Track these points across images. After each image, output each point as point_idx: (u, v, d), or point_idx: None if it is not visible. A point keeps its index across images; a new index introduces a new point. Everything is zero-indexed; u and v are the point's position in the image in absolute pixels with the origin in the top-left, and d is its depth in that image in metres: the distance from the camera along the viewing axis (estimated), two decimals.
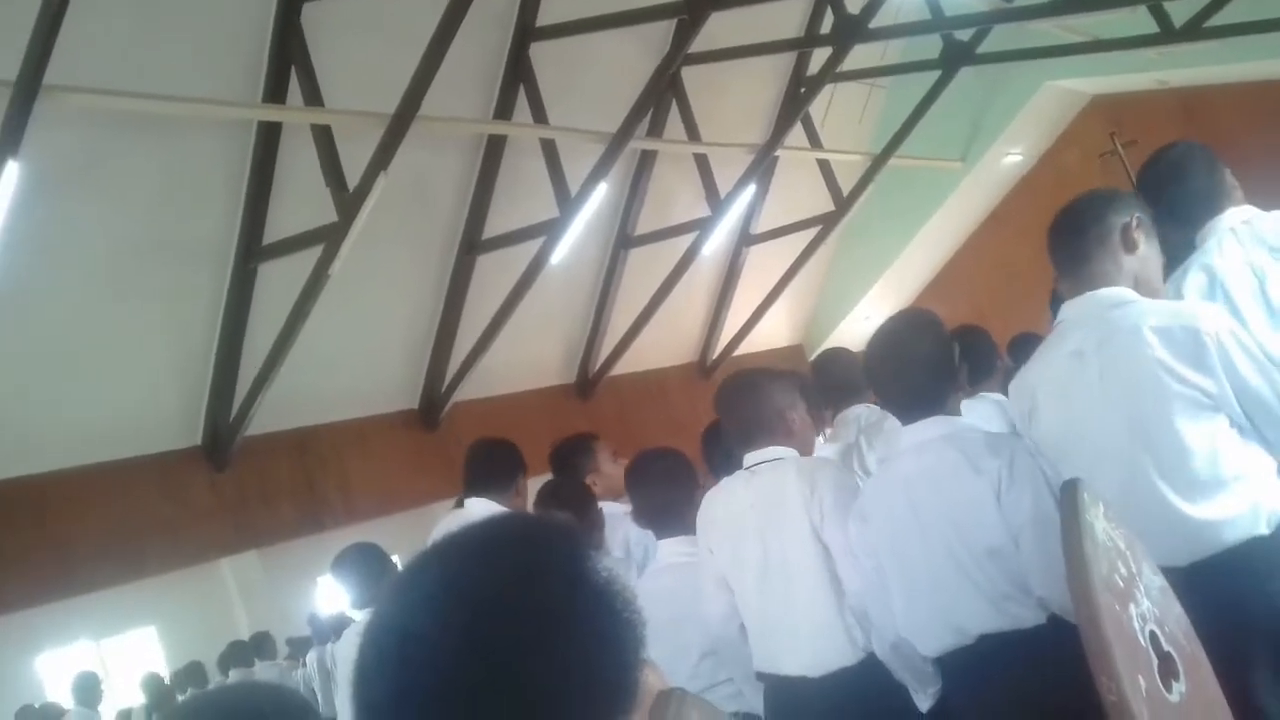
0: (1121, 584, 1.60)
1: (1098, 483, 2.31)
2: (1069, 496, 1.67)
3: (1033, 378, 2.62)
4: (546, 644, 0.95)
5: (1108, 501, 1.81)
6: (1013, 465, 2.57)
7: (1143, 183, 3.15)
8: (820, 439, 3.82)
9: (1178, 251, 3.12)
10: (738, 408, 3.14)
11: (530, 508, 4.06)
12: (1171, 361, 2.36)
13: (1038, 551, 2.48)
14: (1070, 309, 2.60)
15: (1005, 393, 4.19)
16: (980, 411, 3.62)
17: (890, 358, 2.78)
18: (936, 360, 2.74)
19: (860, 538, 2.81)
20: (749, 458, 3.08)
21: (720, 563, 3.08)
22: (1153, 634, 1.58)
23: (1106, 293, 2.54)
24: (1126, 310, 2.49)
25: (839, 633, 2.90)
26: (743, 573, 3.03)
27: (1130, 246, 2.61)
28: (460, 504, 4.11)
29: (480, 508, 3.83)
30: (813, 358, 4.76)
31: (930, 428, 2.70)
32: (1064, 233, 2.65)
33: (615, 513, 4.05)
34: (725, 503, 3.11)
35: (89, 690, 8.26)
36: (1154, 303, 2.57)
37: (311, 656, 8.26)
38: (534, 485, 4.21)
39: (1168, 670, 1.57)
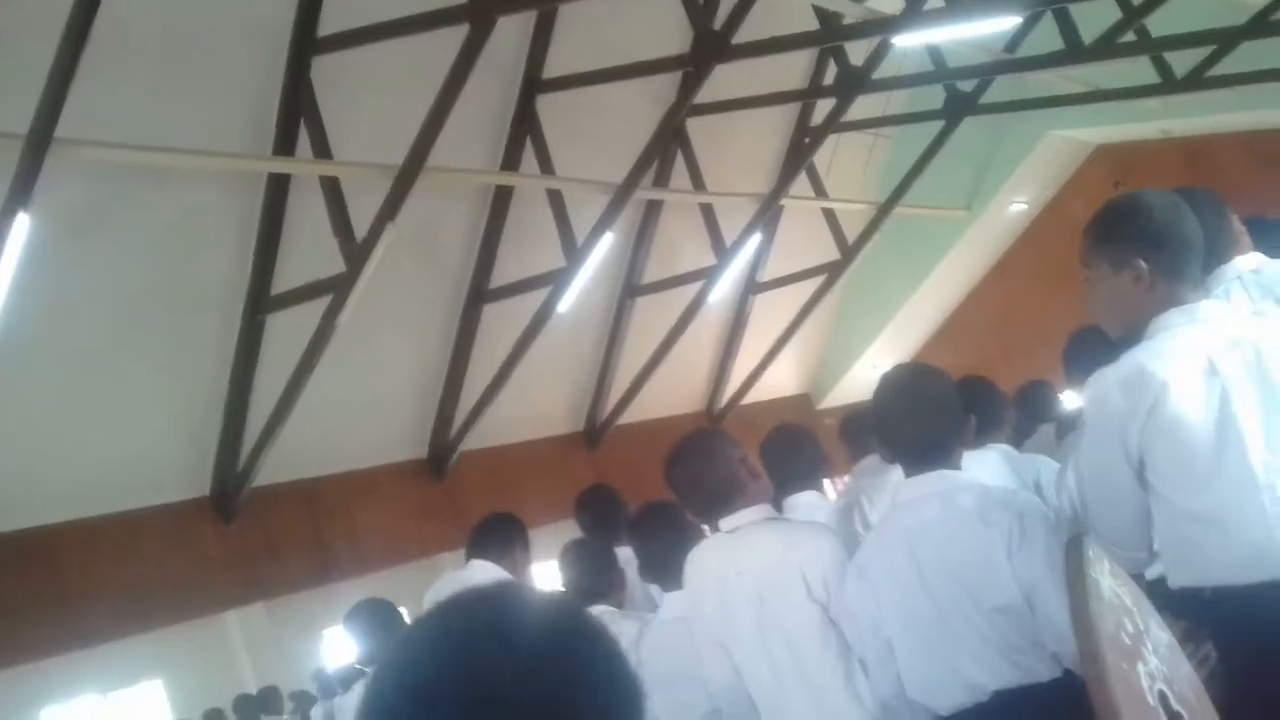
0: (1129, 641, 1.58)
1: (1231, 479, 2.22)
2: (1073, 554, 1.66)
3: (1160, 374, 2.29)
4: (566, 692, 0.95)
5: (1113, 558, 1.79)
6: (1023, 518, 2.54)
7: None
8: (828, 488, 3.80)
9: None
10: (702, 476, 3.02)
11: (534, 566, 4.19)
12: None
13: (1054, 606, 2.44)
14: (1182, 314, 2.37)
15: (1013, 444, 4.20)
16: (986, 462, 3.59)
17: (901, 406, 2.73)
18: (947, 410, 2.72)
19: (857, 594, 2.75)
20: (727, 522, 3.00)
21: (714, 628, 3.03)
22: (1162, 693, 1.56)
23: (1215, 305, 2.44)
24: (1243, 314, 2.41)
25: (849, 703, 2.85)
26: (739, 640, 2.97)
27: None
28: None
29: (481, 567, 4.17)
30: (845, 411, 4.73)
31: (933, 482, 2.67)
32: (1193, 229, 2.43)
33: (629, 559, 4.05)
34: (709, 567, 3.04)
35: None
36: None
37: (317, 711, 8.19)
38: (543, 534, 4.26)
39: None
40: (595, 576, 3.70)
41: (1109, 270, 2.43)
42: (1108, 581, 1.64)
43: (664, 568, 3.33)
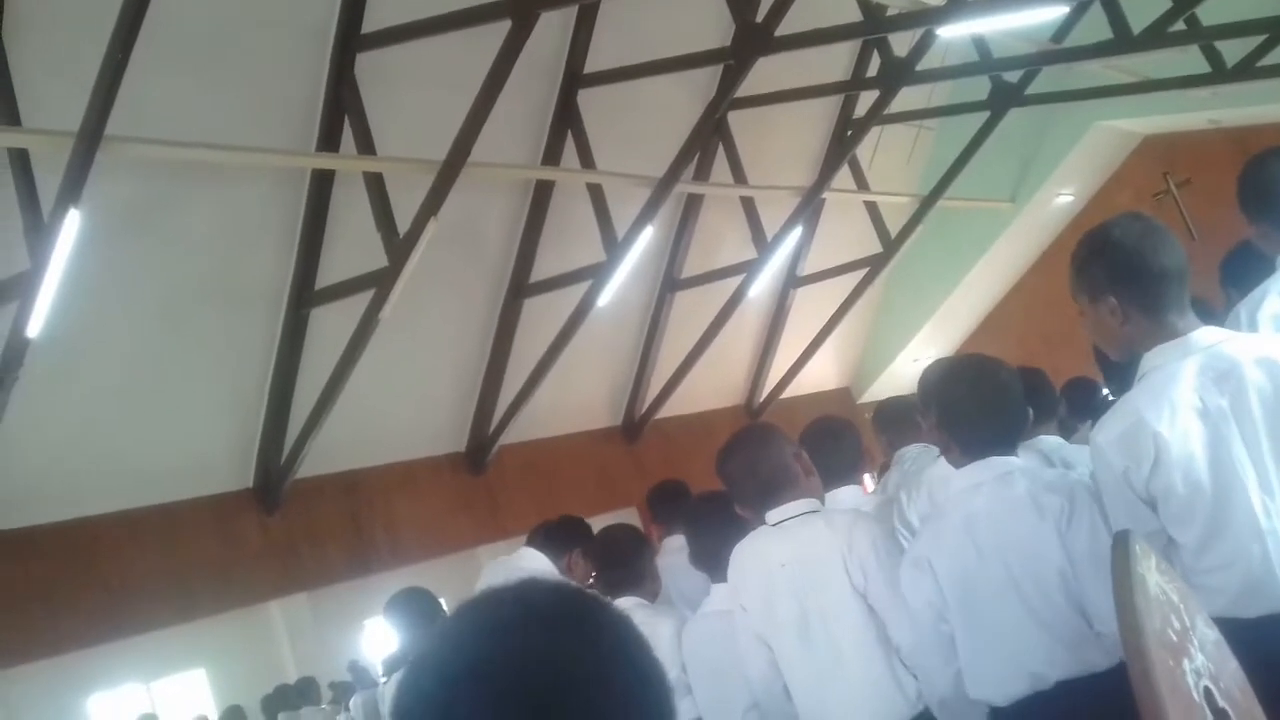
0: (1175, 638, 1.56)
1: (1235, 535, 2.25)
2: (1120, 548, 1.64)
3: (1152, 426, 2.30)
4: (595, 683, 0.96)
5: (1160, 554, 1.77)
6: (1074, 498, 2.54)
7: (1251, 181, 2.91)
8: (868, 481, 3.77)
9: (1257, 270, 2.97)
10: (756, 466, 3.04)
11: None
12: None
13: (1090, 584, 2.45)
14: (1173, 349, 2.37)
15: (1063, 436, 4.16)
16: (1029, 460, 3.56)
17: (973, 396, 2.72)
18: (1017, 400, 2.73)
19: (915, 584, 2.72)
20: (773, 515, 3.01)
21: (755, 621, 3.03)
22: (1207, 690, 1.53)
23: (1205, 332, 2.39)
24: (1238, 342, 2.37)
25: (892, 691, 2.83)
26: (781, 632, 2.97)
27: None
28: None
29: (531, 556, 4.13)
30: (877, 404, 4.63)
31: (985, 469, 2.66)
32: (1166, 258, 2.39)
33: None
34: (755, 560, 3.04)
35: None
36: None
37: (356, 700, 8.28)
38: None
39: None
40: (623, 567, 3.70)
41: (1089, 303, 2.45)
42: (1154, 578, 1.62)
43: (714, 558, 3.32)
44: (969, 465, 2.69)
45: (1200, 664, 1.56)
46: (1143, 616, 1.51)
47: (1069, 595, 2.51)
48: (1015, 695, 2.57)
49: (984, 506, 2.62)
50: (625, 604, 3.46)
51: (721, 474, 3.14)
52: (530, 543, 4.32)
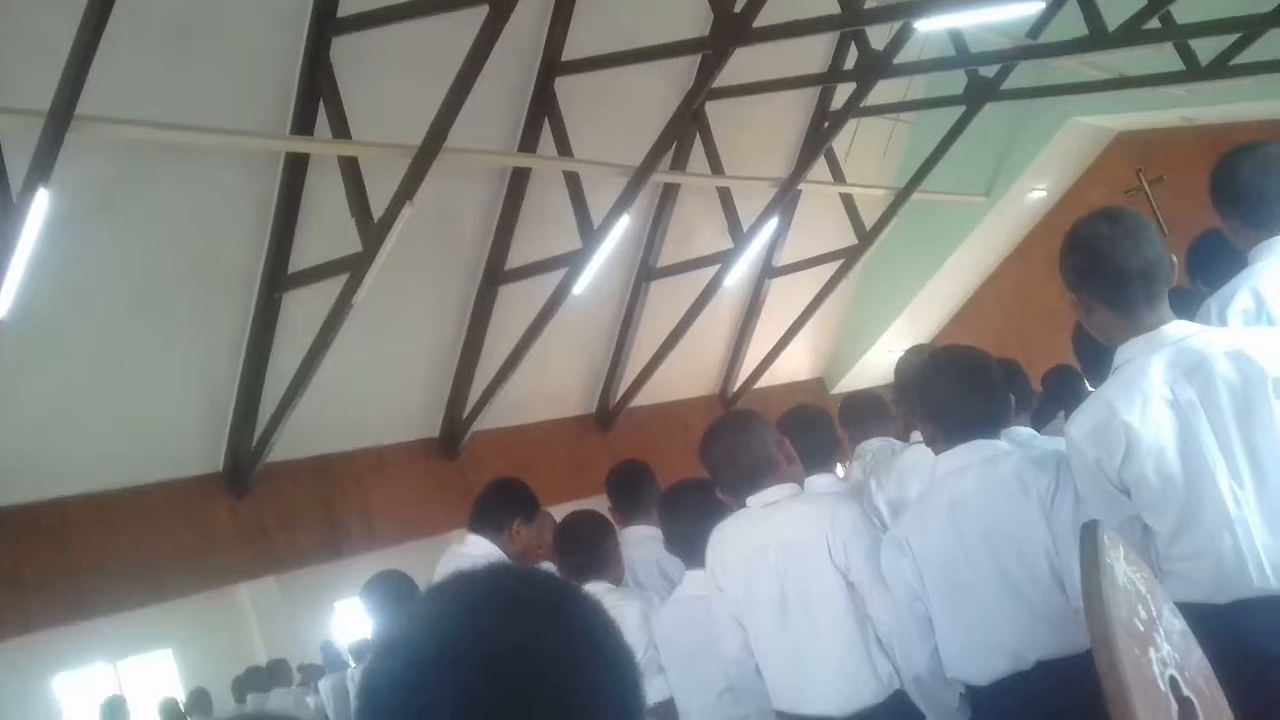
0: (1141, 628, 1.58)
1: (1205, 525, 2.29)
2: (1088, 538, 1.66)
3: (1123, 417, 2.35)
4: (565, 666, 0.97)
5: (1128, 544, 1.79)
6: (1059, 474, 2.59)
7: (1223, 178, 2.91)
8: (840, 470, 3.81)
9: (1228, 264, 2.97)
10: (738, 453, 3.07)
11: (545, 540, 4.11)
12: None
13: (1070, 559, 2.48)
14: (1144, 343, 2.41)
15: (1036, 427, 4.22)
16: None
17: (955, 384, 2.76)
18: (998, 387, 2.77)
19: (894, 566, 2.76)
20: (755, 499, 3.04)
21: (732, 602, 3.05)
22: (1173, 679, 1.56)
23: (1177, 325, 2.42)
24: (1209, 337, 2.39)
25: (866, 671, 2.87)
26: (758, 612, 2.99)
27: None
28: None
29: (475, 545, 3.90)
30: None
31: (970, 451, 2.69)
32: (1133, 256, 2.41)
33: (654, 535, 4.01)
34: (736, 542, 3.07)
35: (117, 713, 8.36)
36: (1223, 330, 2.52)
37: (325, 684, 8.27)
38: (555, 515, 4.23)
39: (1188, 716, 1.56)
40: (587, 553, 3.70)
41: (1068, 295, 2.53)
42: (1122, 567, 1.64)
43: (690, 544, 3.35)
44: (955, 448, 2.72)
45: (1166, 653, 1.59)
46: (1110, 606, 1.53)
47: (1054, 573, 2.54)
48: (994, 675, 2.61)
49: (971, 488, 2.65)
50: (593, 589, 3.45)
51: (704, 461, 3.16)
52: (472, 526, 4.02)
